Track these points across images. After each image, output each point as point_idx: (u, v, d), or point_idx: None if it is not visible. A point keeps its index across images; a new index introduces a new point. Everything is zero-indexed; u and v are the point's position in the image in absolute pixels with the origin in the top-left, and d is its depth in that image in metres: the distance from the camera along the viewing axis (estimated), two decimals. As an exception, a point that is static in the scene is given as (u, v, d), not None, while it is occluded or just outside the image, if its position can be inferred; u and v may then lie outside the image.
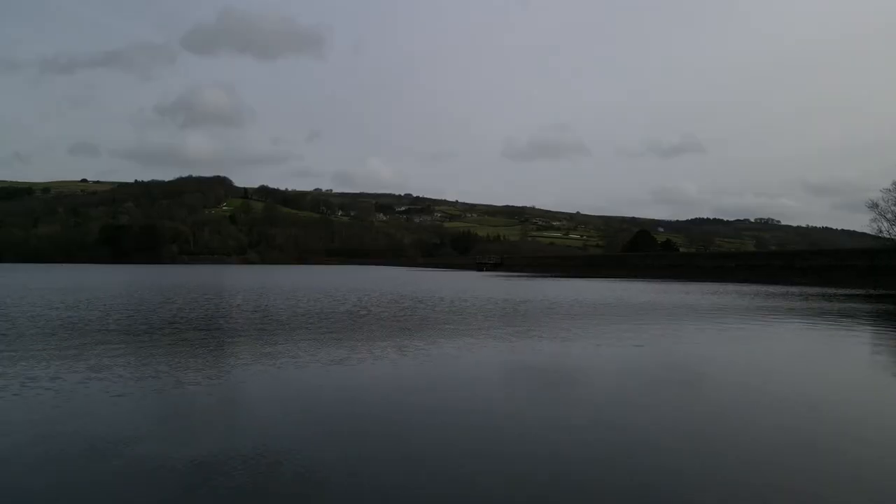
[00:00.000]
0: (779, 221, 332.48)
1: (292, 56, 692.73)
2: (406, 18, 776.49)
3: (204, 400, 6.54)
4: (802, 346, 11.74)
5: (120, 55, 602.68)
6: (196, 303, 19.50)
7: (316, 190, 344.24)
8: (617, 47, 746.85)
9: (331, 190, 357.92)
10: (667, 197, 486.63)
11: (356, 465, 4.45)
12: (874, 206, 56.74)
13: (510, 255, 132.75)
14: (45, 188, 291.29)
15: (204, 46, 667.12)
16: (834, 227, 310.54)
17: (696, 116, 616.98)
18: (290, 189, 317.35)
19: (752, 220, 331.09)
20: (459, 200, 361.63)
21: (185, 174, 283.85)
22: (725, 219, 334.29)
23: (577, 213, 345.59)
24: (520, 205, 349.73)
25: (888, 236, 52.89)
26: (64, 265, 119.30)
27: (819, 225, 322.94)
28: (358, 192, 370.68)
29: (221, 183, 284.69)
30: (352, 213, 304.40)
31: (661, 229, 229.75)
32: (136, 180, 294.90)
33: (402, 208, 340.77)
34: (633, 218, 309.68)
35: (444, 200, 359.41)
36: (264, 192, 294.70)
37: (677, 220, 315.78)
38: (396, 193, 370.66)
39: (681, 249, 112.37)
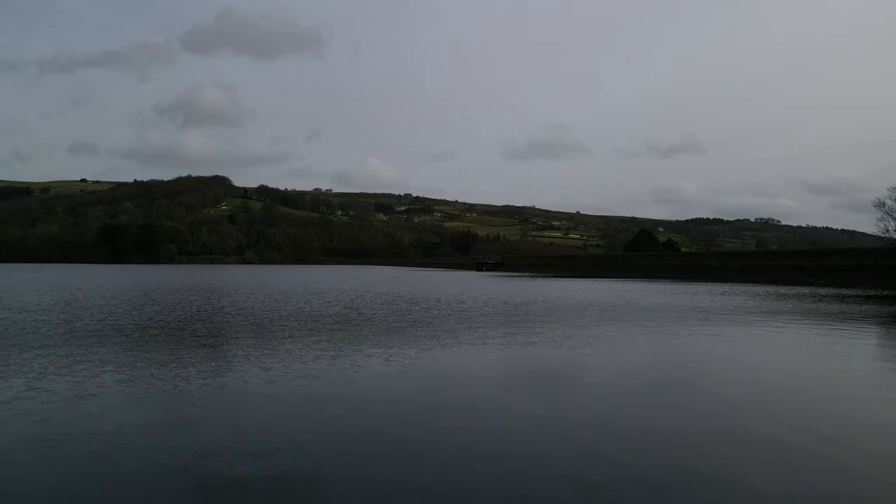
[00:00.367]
0: (779, 221, 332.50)
1: (292, 56, 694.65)
2: (406, 18, 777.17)
3: (134, 415, 5.75)
4: (839, 360, 10.57)
5: (119, 55, 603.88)
6: (177, 305, 18.44)
7: (315, 190, 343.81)
8: (616, 48, 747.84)
9: (330, 190, 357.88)
10: (666, 197, 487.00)
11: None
12: (881, 204, 55.66)
13: (510, 255, 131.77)
14: (45, 188, 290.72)
15: (203, 46, 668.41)
16: (834, 227, 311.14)
17: (696, 116, 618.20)
18: (289, 189, 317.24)
19: (753, 219, 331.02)
20: (459, 200, 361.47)
21: (184, 174, 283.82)
22: (725, 218, 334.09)
23: (577, 212, 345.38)
24: (520, 205, 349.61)
25: (895, 236, 51.94)
26: (60, 265, 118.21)
27: (819, 225, 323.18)
28: (357, 191, 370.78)
29: (220, 183, 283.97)
30: (351, 213, 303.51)
31: (661, 229, 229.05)
32: (134, 180, 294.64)
33: (402, 208, 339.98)
34: (633, 218, 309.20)
35: (444, 200, 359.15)
36: (263, 191, 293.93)
37: (677, 220, 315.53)
38: (396, 193, 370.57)
39: (682, 249, 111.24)
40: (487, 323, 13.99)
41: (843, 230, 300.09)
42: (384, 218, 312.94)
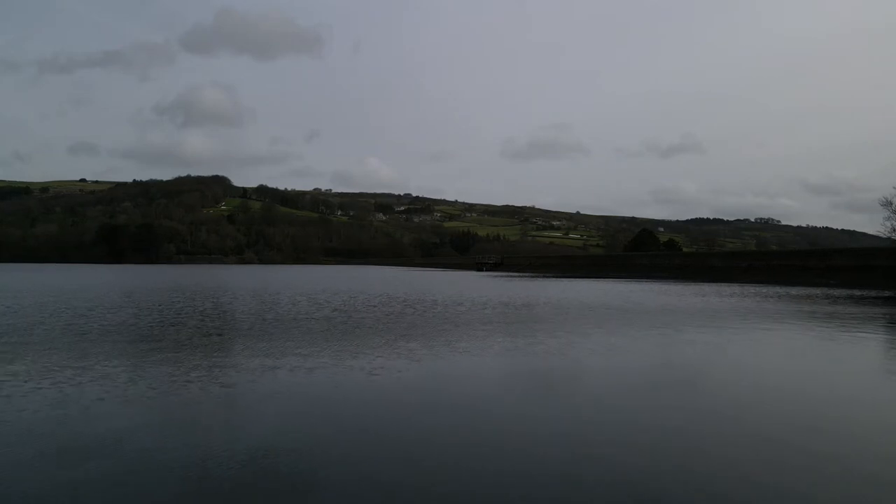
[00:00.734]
0: (779, 221, 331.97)
1: (291, 56, 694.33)
2: (405, 18, 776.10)
3: (74, 427, 5.30)
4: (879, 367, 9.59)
5: (119, 55, 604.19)
6: (156, 307, 17.43)
7: (315, 190, 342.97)
8: (616, 48, 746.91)
9: (330, 190, 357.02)
10: (666, 197, 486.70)
11: None
12: (888, 203, 54.62)
13: (510, 255, 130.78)
14: (44, 188, 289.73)
15: (203, 46, 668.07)
16: (834, 227, 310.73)
17: (696, 116, 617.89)
18: (288, 189, 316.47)
19: (753, 219, 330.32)
20: (459, 200, 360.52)
21: (184, 174, 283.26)
22: (725, 218, 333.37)
23: (577, 212, 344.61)
24: (519, 204, 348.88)
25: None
26: (57, 265, 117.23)
27: (819, 225, 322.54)
28: (357, 191, 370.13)
29: (220, 182, 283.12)
30: (351, 213, 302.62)
31: (661, 229, 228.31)
32: (133, 180, 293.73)
33: (402, 208, 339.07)
34: (633, 218, 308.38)
35: (444, 200, 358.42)
36: (263, 191, 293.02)
37: (677, 220, 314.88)
38: (396, 193, 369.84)
39: (684, 249, 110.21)
40: (486, 328, 12.91)
41: (843, 230, 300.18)
42: (384, 218, 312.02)
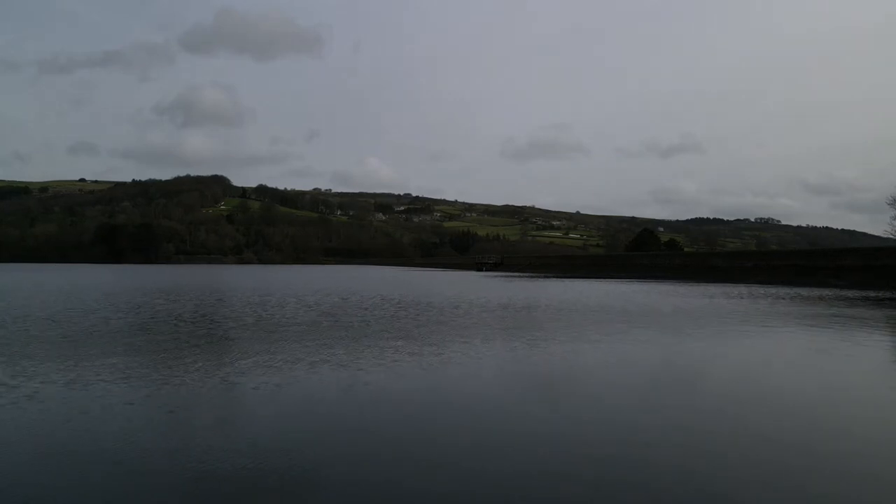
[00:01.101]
0: (779, 221, 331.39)
1: (291, 56, 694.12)
2: (405, 19, 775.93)
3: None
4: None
5: (119, 55, 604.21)
6: (133, 310, 16.47)
7: (315, 189, 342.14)
8: (616, 48, 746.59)
9: (330, 189, 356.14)
10: (666, 197, 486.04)
11: None
12: (895, 202, 53.68)
13: (510, 254, 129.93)
14: (43, 188, 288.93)
15: (203, 47, 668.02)
16: (834, 227, 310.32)
17: (695, 116, 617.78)
18: (288, 188, 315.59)
19: (753, 219, 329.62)
20: (459, 200, 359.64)
21: (183, 174, 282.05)
22: (725, 218, 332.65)
23: (577, 212, 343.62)
24: (519, 204, 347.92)
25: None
26: (54, 265, 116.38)
27: (819, 225, 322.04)
28: (357, 191, 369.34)
29: (219, 182, 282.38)
30: (350, 213, 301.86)
31: (661, 229, 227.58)
32: (133, 179, 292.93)
33: (402, 208, 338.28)
34: (633, 217, 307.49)
35: (444, 200, 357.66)
36: (262, 191, 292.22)
37: (677, 220, 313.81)
38: (396, 193, 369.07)
39: (685, 249, 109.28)
40: (484, 333, 11.90)
41: (843, 230, 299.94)
42: (383, 218, 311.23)
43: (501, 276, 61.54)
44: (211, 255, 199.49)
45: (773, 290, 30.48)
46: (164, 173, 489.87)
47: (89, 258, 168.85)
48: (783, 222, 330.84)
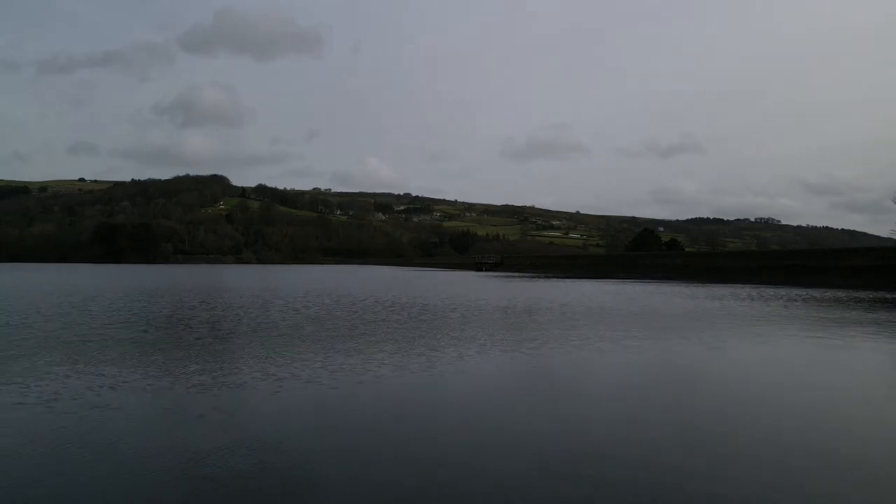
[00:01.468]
0: (779, 221, 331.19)
1: (291, 56, 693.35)
2: (405, 19, 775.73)
3: None
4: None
5: (118, 55, 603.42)
6: (105, 311, 16.00)
7: (314, 189, 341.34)
8: (616, 48, 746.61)
9: (329, 189, 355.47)
10: (666, 197, 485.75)
11: None
12: (899, 202, 53.44)
13: (510, 254, 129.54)
14: (42, 187, 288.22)
15: (202, 47, 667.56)
16: (834, 227, 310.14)
17: (696, 116, 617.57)
18: (288, 188, 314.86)
19: (753, 219, 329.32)
20: (458, 200, 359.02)
21: (183, 174, 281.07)
22: (725, 218, 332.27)
23: (577, 212, 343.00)
24: (519, 204, 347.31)
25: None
26: (50, 265, 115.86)
27: (819, 224, 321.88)
28: (357, 191, 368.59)
29: (219, 182, 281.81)
30: (350, 213, 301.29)
31: (661, 229, 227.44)
32: (132, 179, 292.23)
33: (401, 207, 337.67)
34: (633, 217, 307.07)
35: (444, 200, 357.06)
36: (262, 191, 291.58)
37: (677, 220, 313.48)
38: (395, 193, 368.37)
39: (686, 249, 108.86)
40: (480, 339, 11.34)
41: (843, 230, 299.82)
42: (383, 217, 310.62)
43: (501, 277, 61.14)
44: (210, 254, 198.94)
45: (782, 291, 29.79)
46: (164, 173, 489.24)
47: (88, 258, 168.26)
48: (783, 222, 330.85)
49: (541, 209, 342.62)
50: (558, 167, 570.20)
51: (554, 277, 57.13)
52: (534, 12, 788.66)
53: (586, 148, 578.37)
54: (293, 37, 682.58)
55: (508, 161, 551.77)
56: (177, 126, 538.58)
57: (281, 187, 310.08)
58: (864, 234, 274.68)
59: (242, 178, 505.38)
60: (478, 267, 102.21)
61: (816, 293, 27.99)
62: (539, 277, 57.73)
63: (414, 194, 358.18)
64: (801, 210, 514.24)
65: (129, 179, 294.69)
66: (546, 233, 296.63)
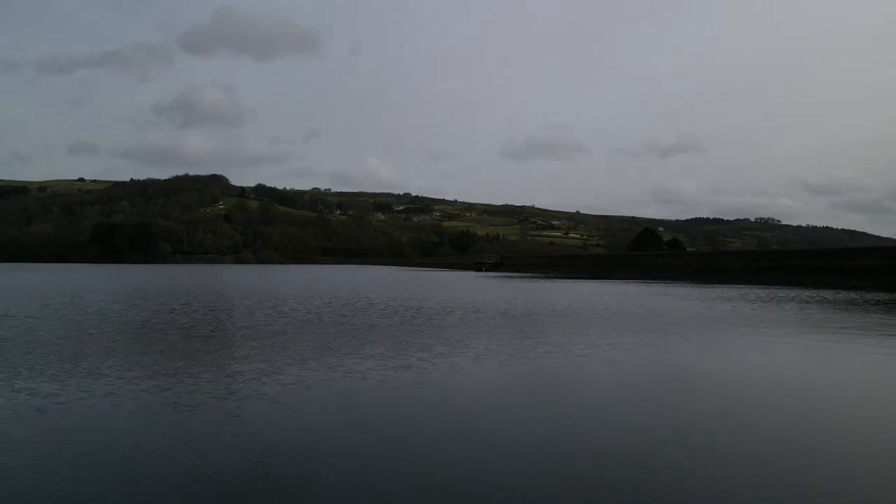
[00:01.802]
0: (779, 221, 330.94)
1: (291, 56, 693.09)
2: (405, 19, 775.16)
3: None
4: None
5: (118, 55, 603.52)
6: (82, 313, 15.19)
7: (314, 189, 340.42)
8: (616, 48, 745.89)
9: (329, 189, 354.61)
10: (666, 197, 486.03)
11: None
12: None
13: (510, 254, 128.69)
14: (41, 187, 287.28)
15: (202, 47, 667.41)
16: (834, 227, 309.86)
17: (695, 116, 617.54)
18: (287, 188, 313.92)
19: (753, 219, 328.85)
20: (458, 200, 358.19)
21: (182, 174, 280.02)
22: (725, 218, 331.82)
23: (577, 212, 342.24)
24: (519, 204, 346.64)
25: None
26: (48, 265, 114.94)
27: (819, 224, 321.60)
28: (356, 191, 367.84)
29: (218, 182, 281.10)
30: (349, 213, 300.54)
31: (661, 229, 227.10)
32: (131, 179, 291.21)
33: (401, 207, 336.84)
34: (633, 217, 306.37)
35: (443, 200, 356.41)
36: (261, 190, 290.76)
37: (677, 220, 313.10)
38: (395, 193, 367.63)
39: (688, 249, 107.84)
40: (476, 350, 10.22)
41: (843, 230, 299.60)
42: (383, 217, 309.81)
43: (501, 277, 60.14)
44: (208, 254, 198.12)
45: (792, 292, 28.64)
46: (164, 173, 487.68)
47: (87, 258, 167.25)
48: (783, 222, 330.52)
49: (541, 209, 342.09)
50: (558, 167, 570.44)
51: (555, 278, 56.11)
52: (534, 12, 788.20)
53: (586, 148, 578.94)
54: (293, 37, 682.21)
55: (508, 161, 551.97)
56: (176, 126, 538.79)
57: (280, 187, 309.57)
58: (864, 234, 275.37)
59: (242, 178, 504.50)
60: (477, 267, 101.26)
61: (828, 294, 26.89)
62: (540, 278, 56.70)
63: (414, 194, 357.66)
64: (801, 210, 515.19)
65: (128, 179, 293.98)
66: (546, 233, 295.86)
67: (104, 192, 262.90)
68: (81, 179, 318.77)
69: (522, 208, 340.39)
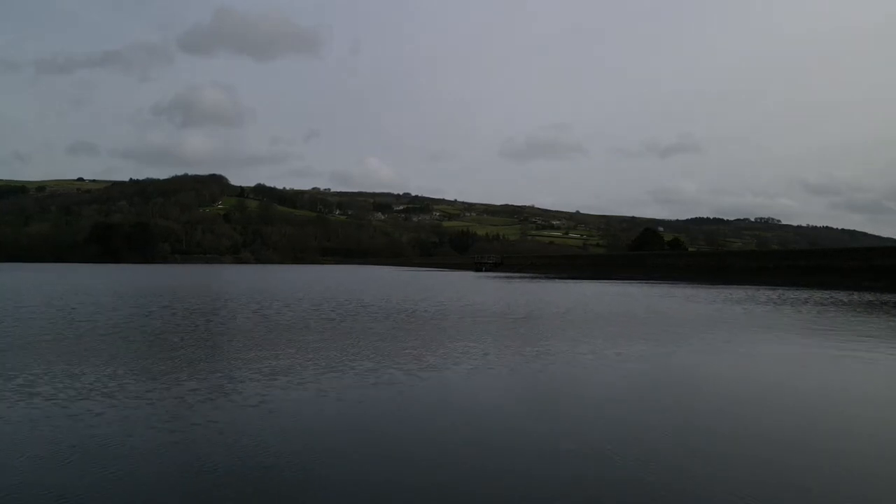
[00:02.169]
0: (779, 221, 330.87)
1: (291, 56, 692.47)
2: (405, 19, 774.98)
3: None
4: None
5: (118, 55, 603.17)
6: (52, 317, 14.56)
7: (314, 189, 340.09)
8: (616, 48, 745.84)
9: (329, 189, 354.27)
10: (666, 197, 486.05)
11: None
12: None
13: (510, 254, 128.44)
14: (40, 187, 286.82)
15: (202, 47, 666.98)
16: (834, 227, 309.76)
17: (695, 116, 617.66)
18: (287, 188, 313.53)
19: (753, 219, 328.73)
20: (458, 199, 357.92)
21: (182, 174, 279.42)
22: (725, 218, 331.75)
23: (577, 212, 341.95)
24: (519, 204, 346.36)
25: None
26: (45, 265, 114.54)
27: (819, 224, 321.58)
28: (356, 191, 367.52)
29: (217, 181, 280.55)
30: (349, 213, 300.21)
31: (661, 229, 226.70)
32: (130, 179, 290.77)
33: (401, 207, 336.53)
34: (633, 217, 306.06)
35: (443, 199, 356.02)
36: (261, 190, 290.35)
37: (677, 220, 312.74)
38: (395, 192, 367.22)
39: (690, 249, 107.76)
40: (470, 359, 9.39)
41: (842, 230, 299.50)
42: (382, 217, 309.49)
43: (501, 277, 59.89)
44: (207, 254, 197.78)
45: (802, 293, 27.58)
46: (164, 173, 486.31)
47: (85, 258, 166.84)
48: (783, 222, 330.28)
49: (540, 209, 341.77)
50: (558, 167, 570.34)
51: (555, 278, 55.87)
52: (534, 12, 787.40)
53: (586, 148, 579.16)
54: (293, 37, 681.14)
55: (508, 161, 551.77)
56: (176, 126, 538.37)
57: (280, 187, 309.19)
58: (864, 234, 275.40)
59: (242, 178, 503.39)
60: (477, 267, 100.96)
61: (843, 296, 25.76)
62: (540, 278, 56.46)
63: (413, 194, 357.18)
64: (800, 210, 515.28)
65: (127, 179, 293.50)
66: (546, 233, 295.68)
67: (103, 192, 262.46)
68: (81, 179, 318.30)
69: (522, 208, 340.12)
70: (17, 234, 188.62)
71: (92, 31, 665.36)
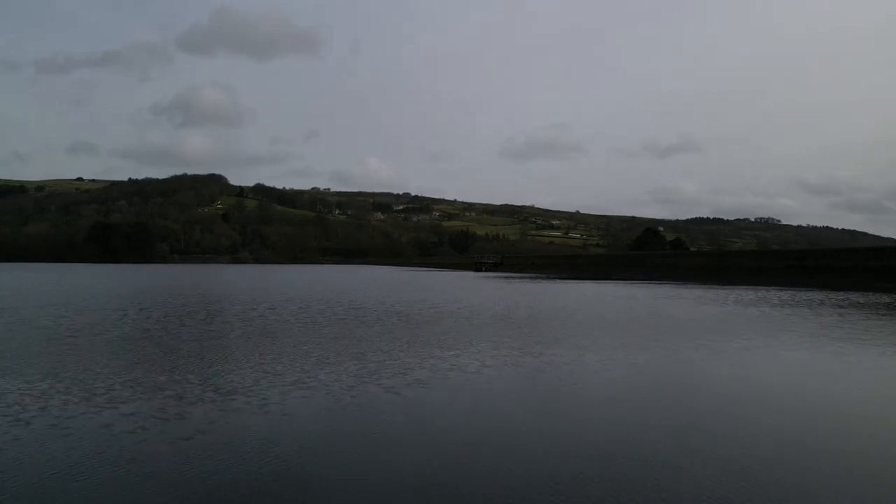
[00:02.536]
0: (779, 221, 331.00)
1: (291, 56, 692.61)
2: (405, 19, 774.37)
3: None
4: None
5: (117, 55, 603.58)
6: (23, 320, 14.24)
7: (313, 189, 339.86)
8: (616, 48, 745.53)
9: (328, 189, 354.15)
10: (666, 197, 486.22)
11: None
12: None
13: (510, 254, 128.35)
14: (39, 187, 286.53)
15: (202, 47, 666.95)
16: (834, 227, 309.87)
17: (695, 116, 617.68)
18: (286, 188, 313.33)
19: (753, 219, 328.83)
20: (458, 199, 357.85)
21: (181, 174, 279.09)
22: (725, 218, 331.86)
23: (577, 212, 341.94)
24: (519, 204, 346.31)
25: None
26: (44, 265, 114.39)
27: (819, 224, 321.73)
28: (356, 191, 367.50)
29: (217, 181, 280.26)
30: (349, 212, 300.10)
31: (661, 229, 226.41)
32: (129, 178, 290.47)
33: (400, 207, 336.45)
34: (633, 217, 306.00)
35: (443, 199, 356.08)
36: (260, 190, 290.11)
37: (677, 220, 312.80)
38: (395, 192, 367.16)
39: (690, 249, 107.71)
40: (469, 360, 9.26)
41: (843, 230, 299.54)
42: (382, 217, 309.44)
43: (501, 278, 59.75)
44: (205, 254, 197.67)
45: (817, 295, 26.86)
46: (164, 173, 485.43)
47: (84, 258, 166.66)
48: (783, 222, 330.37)
49: (540, 209, 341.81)
50: (558, 167, 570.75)
51: (556, 278, 55.79)
52: (534, 12, 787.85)
53: (586, 148, 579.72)
54: (292, 37, 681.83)
55: (508, 161, 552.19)
56: (176, 126, 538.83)
57: (280, 187, 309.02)
58: (864, 234, 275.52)
59: (242, 178, 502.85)
60: (477, 267, 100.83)
61: (859, 297, 24.91)
62: (541, 278, 56.37)
63: (413, 194, 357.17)
64: (800, 210, 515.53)
65: (127, 179, 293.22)
66: (546, 233, 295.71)
67: (102, 192, 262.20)
68: (80, 179, 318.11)
69: (522, 208, 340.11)
70: (16, 234, 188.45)
71: (92, 31, 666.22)
